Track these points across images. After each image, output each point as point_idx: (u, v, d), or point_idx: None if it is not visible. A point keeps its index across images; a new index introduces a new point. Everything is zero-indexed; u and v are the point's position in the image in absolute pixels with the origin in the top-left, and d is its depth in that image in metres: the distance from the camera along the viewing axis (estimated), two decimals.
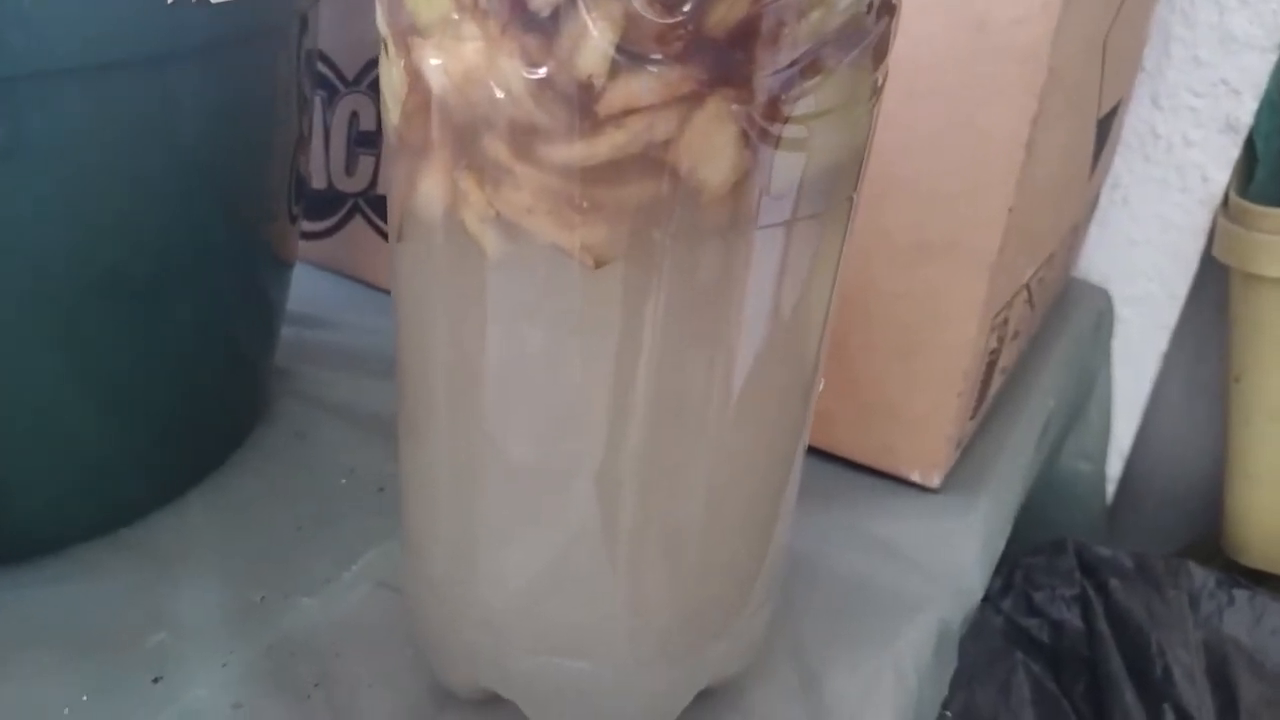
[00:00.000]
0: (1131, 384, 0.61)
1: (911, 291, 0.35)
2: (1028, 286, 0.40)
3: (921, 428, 0.37)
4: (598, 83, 0.17)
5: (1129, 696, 0.48)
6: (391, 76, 0.20)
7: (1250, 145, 0.54)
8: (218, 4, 0.26)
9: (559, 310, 0.20)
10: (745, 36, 0.17)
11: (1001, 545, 0.39)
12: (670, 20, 0.17)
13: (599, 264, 0.19)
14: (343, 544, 0.33)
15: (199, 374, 0.34)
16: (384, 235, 0.46)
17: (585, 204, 0.19)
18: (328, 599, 0.31)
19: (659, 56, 0.17)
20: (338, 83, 0.44)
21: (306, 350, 0.43)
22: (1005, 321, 0.39)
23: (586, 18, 0.17)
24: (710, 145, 0.18)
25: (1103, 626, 0.50)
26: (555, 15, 0.17)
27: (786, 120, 0.18)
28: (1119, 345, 0.60)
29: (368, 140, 0.45)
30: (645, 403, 0.21)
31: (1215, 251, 0.55)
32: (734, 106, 0.18)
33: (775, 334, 0.22)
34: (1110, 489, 0.65)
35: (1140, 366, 0.61)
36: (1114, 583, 0.51)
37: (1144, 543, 0.67)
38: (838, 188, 0.21)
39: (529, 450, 0.22)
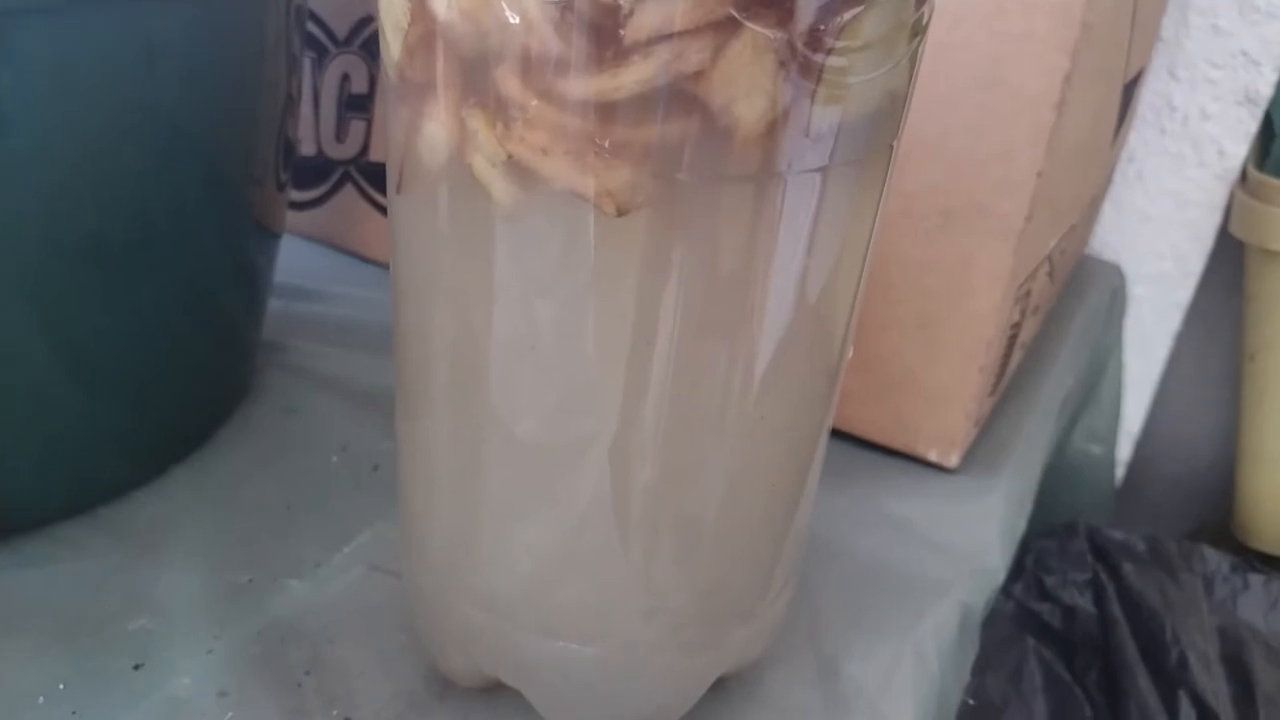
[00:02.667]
0: (1143, 364, 0.60)
1: (935, 260, 0.34)
2: (1049, 258, 0.39)
3: (941, 403, 0.36)
4: (624, 5, 0.15)
5: (1143, 683, 0.47)
6: (393, 4, 0.18)
7: (1269, 118, 0.53)
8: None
9: (574, 265, 0.18)
10: None
11: (1022, 526, 0.37)
12: None
13: (620, 212, 0.17)
14: (334, 525, 0.32)
15: (181, 347, 0.33)
16: (376, 205, 0.45)
17: (606, 144, 0.17)
18: (319, 582, 0.30)
19: None
20: (328, 42, 0.42)
21: (296, 323, 0.41)
22: (1028, 294, 0.37)
23: None
24: (746, 78, 0.16)
25: (1116, 611, 0.49)
26: None
27: (829, 51, 0.17)
28: (1131, 324, 0.59)
29: (359, 104, 0.43)
30: (664, 371, 0.19)
31: (1232, 228, 0.54)
32: (772, 34, 0.16)
33: (806, 294, 0.20)
34: (1120, 471, 0.63)
35: (1152, 346, 0.59)
36: (1127, 566, 0.50)
37: (1153, 525, 0.66)
38: (879, 133, 0.19)
39: (538, 425, 0.21)
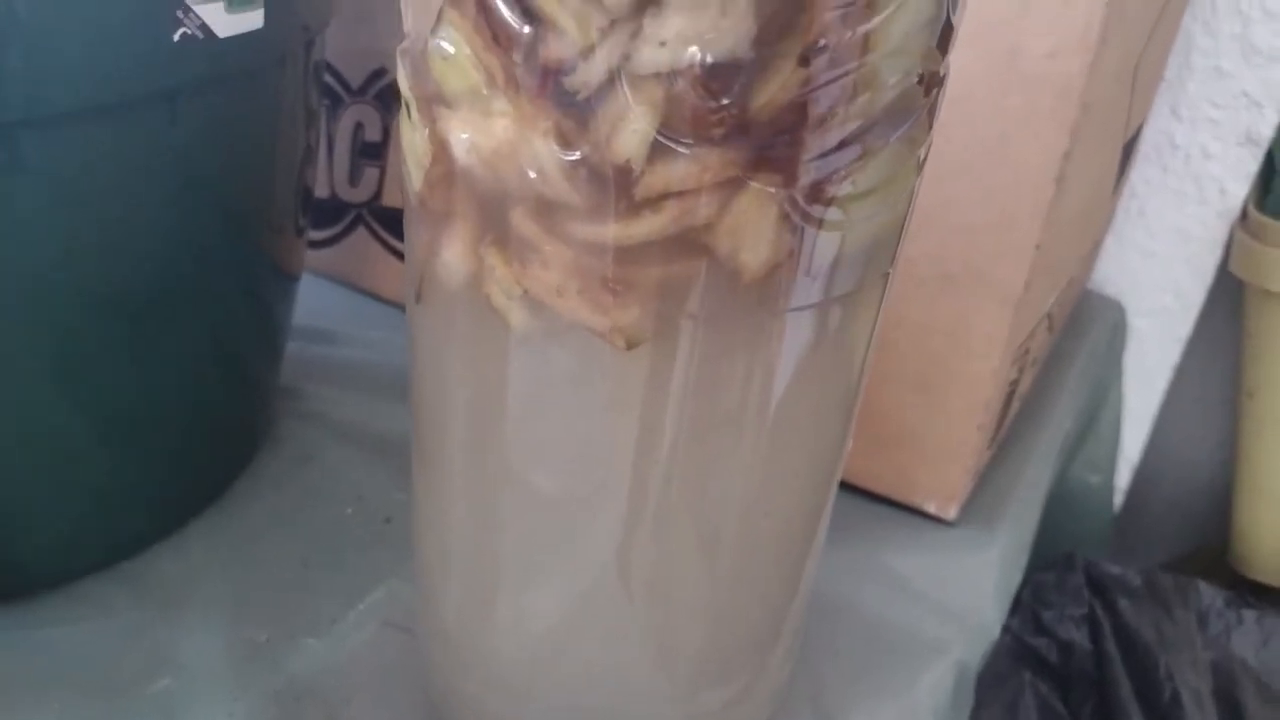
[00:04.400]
0: (1142, 395, 0.61)
1: (934, 323, 0.35)
2: (1048, 314, 0.40)
3: (940, 459, 0.37)
4: (636, 167, 0.16)
5: None
6: (414, 142, 0.19)
7: (1270, 158, 0.53)
8: (226, 39, 0.25)
9: (585, 387, 0.19)
10: (791, 120, 0.16)
11: (1018, 578, 0.38)
12: (714, 105, 0.16)
13: (630, 346, 0.18)
14: (349, 580, 0.33)
15: (203, 398, 0.33)
16: (388, 248, 0.45)
17: (617, 285, 0.18)
18: (335, 640, 0.31)
19: (701, 140, 0.16)
20: (342, 92, 0.43)
21: (310, 367, 0.42)
22: (1026, 351, 0.38)
23: (626, 100, 0.16)
24: (751, 229, 0.17)
25: (1111, 648, 0.50)
26: (593, 96, 0.16)
27: (830, 202, 0.17)
28: (1131, 357, 0.59)
29: (372, 151, 0.44)
30: (667, 481, 0.20)
31: (1232, 266, 0.54)
32: (776, 190, 0.17)
33: (805, 412, 0.21)
34: (1118, 499, 0.64)
35: (1152, 378, 0.60)
36: (1123, 602, 0.51)
37: (1150, 549, 0.67)
38: (875, 263, 0.20)
39: (547, 518, 0.22)
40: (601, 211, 0.17)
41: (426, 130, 0.18)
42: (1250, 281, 0.53)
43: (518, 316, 0.19)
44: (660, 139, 0.16)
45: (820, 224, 0.18)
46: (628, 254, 0.17)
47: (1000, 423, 0.39)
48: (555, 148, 0.17)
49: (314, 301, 0.46)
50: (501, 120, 0.17)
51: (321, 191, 0.45)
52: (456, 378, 0.21)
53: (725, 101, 0.16)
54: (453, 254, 0.19)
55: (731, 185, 0.17)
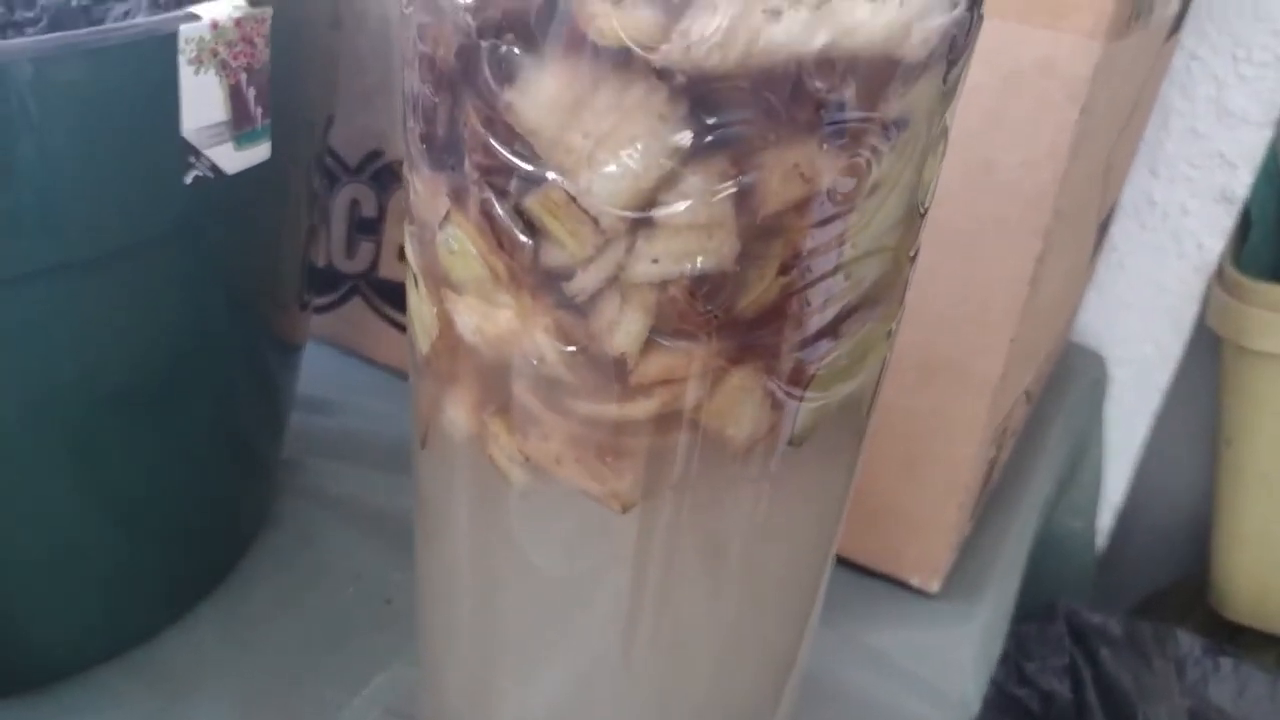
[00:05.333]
0: (1124, 439, 0.62)
1: (916, 409, 0.36)
2: (1026, 391, 0.41)
3: (923, 536, 0.38)
4: (630, 360, 0.18)
5: None
6: (422, 312, 0.20)
7: (1247, 214, 0.55)
8: (235, 174, 0.26)
9: (581, 538, 0.20)
10: (772, 317, 0.17)
11: (999, 646, 0.40)
12: (702, 309, 0.17)
13: (624, 509, 0.19)
14: (353, 665, 0.34)
15: (213, 482, 0.34)
16: (385, 318, 0.47)
17: (613, 456, 0.19)
18: None
19: (690, 337, 0.17)
20: (339, 170, 0.44)
21: (308, 438, 0.43)
22: (1005, 430, 0.39)
23: (621, 304, 0.17)
24: (736, 409, 0.18)
25: (1091, 697, 0.51)
26: (590, 300, 0.17)
27: (810, 382, 0.19)
28: (1112, 404, 0.61)
29: (368, 226, 0.45)
30: (659, 614, 0.22)
31: (1209, 321, 0.56)
32: (760, 375, 0.18)
33: (787, 546, 0.22)
34: (1101, 540, 0.66)
35: (1133, 425, 0.62)
36: (1103, 652, 0.53)
37: (1132, 586, 0.69)
38: (853, 420, 0.21)
39: (544, 657, 0.23)
40: (599, 393, 0.18)
41: (434, 308, 0.19)
42: (1225, 336, 0.55)
43: (518, 476, 0.20)
44: (653, 336, 0.17)
45: (801, 399, 0.19)
46: (623, 429, 0.19)
47: (981, 494, 0.40)
48: (555, 340, 0.18)
49: (311, 367, 0.47)
50: (505, 311, 0.18)
51: (319, 261, 0.46)
52: (459, 517, 0.22)
53: (711, 307, 0.17)
54: (457, 414, 0.20)
55: (718, 372, 0.18)
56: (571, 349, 0.18)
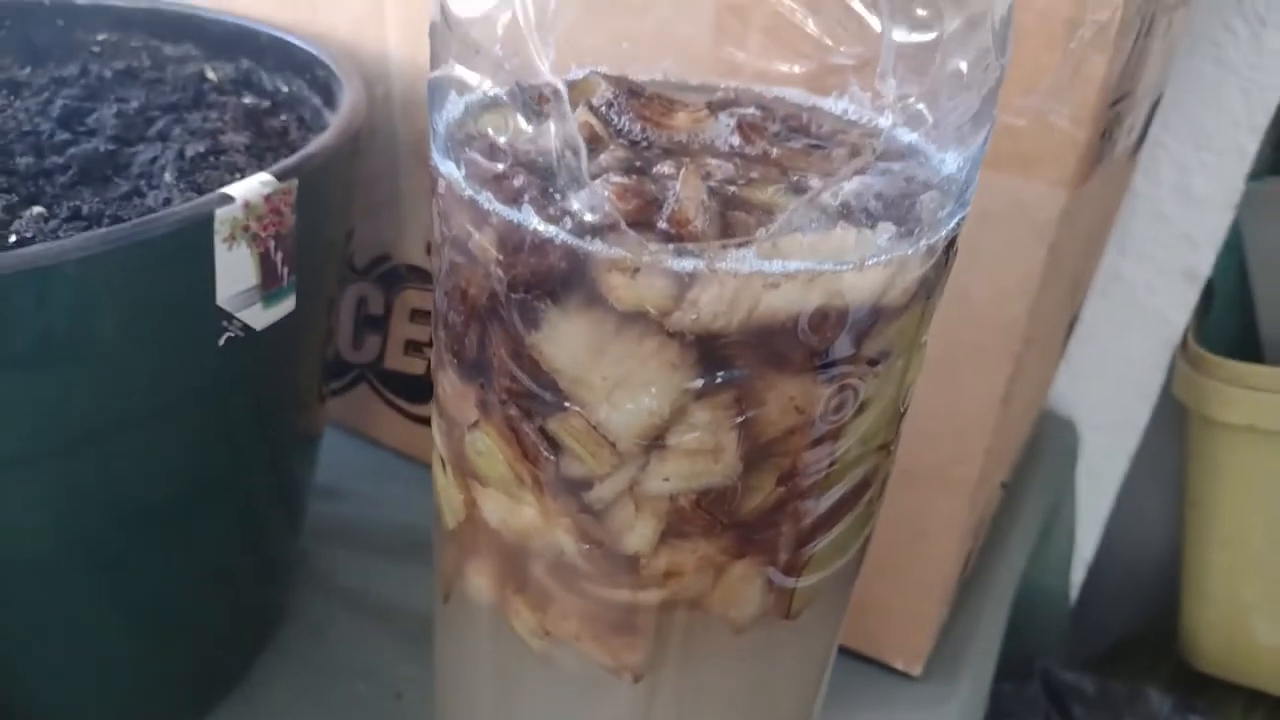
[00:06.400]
0: (1095, 500, 0.65)
1: (898, 512, 0.38)
2: (1002, 483, 0.43)
3: (905, 626, 0.40)
4: (643, 559, 0.20)
5: None
6: (449, 495, 0.22)
7: (1209, 290, 0.57)
8: (263, 330, 0.28)
9: (594, 699, 0.22)
10: (772, 519, 0.20)
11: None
12: (708, 517, 0.19)
13: (636, 679, 0.21)
14: None
15: (235, 582, 0.36)
16: (390, 405, 0.48)
17: (627, 635, 0.21)
18: None
19: (697, 538, 0.19)
20: (347, 270, 0.46)
21: (320, 528, 0.45)
22: (981, 521, 0.42)
23: (634, 512, 0.19)
24: (739, 595, 0.20)
25: None
26: (606, 507, 0.19)
27: (805, 566, 0.21)
28: (1084, 466, 0.63)
29: (375, 322, 0.47)
30: None
31: (1174, 391, 0.58)
32: (759, 568, 0.20)
33: (786, 697, 0.24)
34: (1074, 593, 0.68)
35: (1103, 485, 0.64)
36: (1077, 710, 0.55)
37: (1105, 632, 0.71)
38: (844, 585, 0.23)
39: None
40: (614, 581, 0.20)
41: (462, 495, 0.21)
42: (1189, 407, 0.57)
43: (538, 645, 0.22)
44: (663, 537, 0.19)
45: (797, 581, 0.21)
46: (635, 611, 0.21)
47: (959, 583, 0.42)
48: (574, 538, 0.20)
49: (322, 452, 0.49)
50: (529, 509, 0.20)
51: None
52: (481, 672, 0.24)
53: (716, 514, 0.19)
54: (480, 583, 0.22)
55: (722, 565, 0.20)
56: (589, 546, 0.20)
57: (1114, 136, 0.34)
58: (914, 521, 0.38)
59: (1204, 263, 0.57)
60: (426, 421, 0.48)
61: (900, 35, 0.19)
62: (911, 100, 0.19)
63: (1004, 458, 0.41)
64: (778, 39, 0.24)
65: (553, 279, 0.17)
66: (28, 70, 0.40)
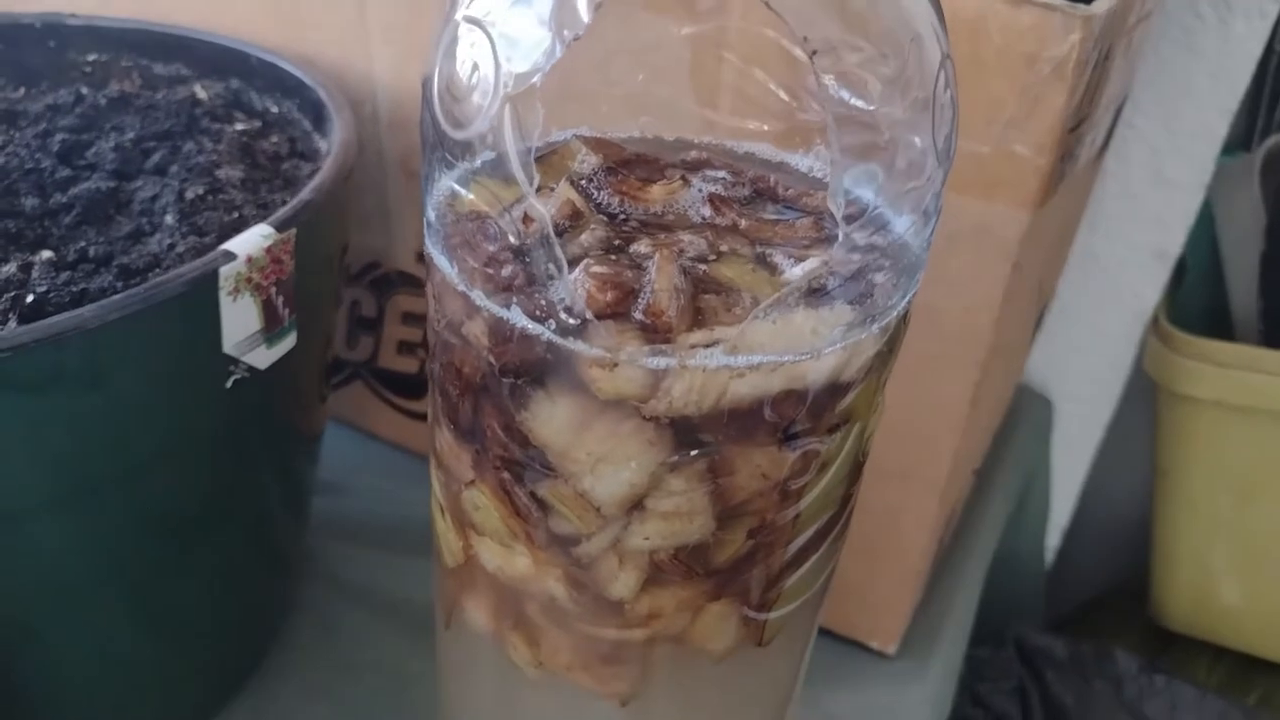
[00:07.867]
0: (1070, 470, 0.67)
1: (873, 507, 0.40)
2: (974, 470, 0.45)
3: (880, 609, 0.42)
4: (627, 604, 0.21)
5: None
6: (448, 539, 0.24)
7: (1180, 267, 0.59)
8: (267, 369, 0.30)
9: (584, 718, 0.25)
10: (746, 564, 0.21)
11: (949, 706, 0.44)
12: (685, 568, 0.21)
13: (624, 704, 0.23)
14: None
15: (244, 585, 0.38)
16: (386, 401, 0.50)
17: (614, 665, 0.23)
18: None
19: (676, 585, 0.21)
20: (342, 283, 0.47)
21: (324, 523, 0.47)
22: (954, 511, 0.44)
23: (618, 564, 0.21)
24: (716, 629, 0.22)
25: (1038, 717, 0.57)
26: (593, 561, 0.21)
27: (776, 601, 0.23)
28: (1059, 436, 0.66)
29: (368, 324, 0.48)
30: None
31: (1145, 366, 0.60)
32: (734, 606, 0.22)
33: (760, 706, 0.26)
34: (1049, 557, 0.71)
35: (1078, 455, 0.66)
36: (1049, 674, 0.58)
37: (1078, 592, 0.74)
38: (811, 611, 0.25)
39: None
40: (601, 621, 0.22)
41: (460, 541, 0.23)
42: (1159, 381, 0.59)
43: (533, 674, 0.24)
44: (645, 585, 0.21)
45: (769, 614, 0.23)
46: (621, 646, 0.23)
47: (933, 567, 0.45)
48: (564, 585, 0.22)
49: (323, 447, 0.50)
50: (522, 559, 0.22)
51: None
52: (480, 691, 0.26)
53: (693, 564, 0.21)
54: (478, 615, 0.24)
55: (699, 606, 0.22)
56: (578, 592, 0.22)
57: (1075, 154, 0.35)
58: (887, 516, 0.40)
59: (1175, 242, 0.58)
60: (421, 416, 0.50)
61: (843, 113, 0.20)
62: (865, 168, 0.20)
63: (974, 451, 0.43)
64: (748, 99, 0.26)
65: (539, 368, 0.19)
66: (21, 92, 0.41)
